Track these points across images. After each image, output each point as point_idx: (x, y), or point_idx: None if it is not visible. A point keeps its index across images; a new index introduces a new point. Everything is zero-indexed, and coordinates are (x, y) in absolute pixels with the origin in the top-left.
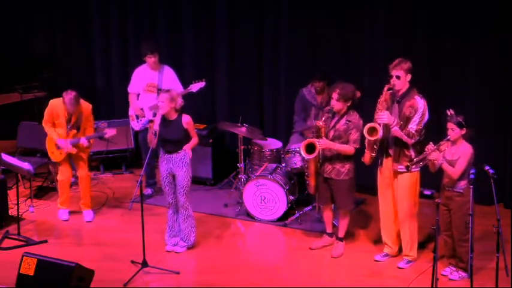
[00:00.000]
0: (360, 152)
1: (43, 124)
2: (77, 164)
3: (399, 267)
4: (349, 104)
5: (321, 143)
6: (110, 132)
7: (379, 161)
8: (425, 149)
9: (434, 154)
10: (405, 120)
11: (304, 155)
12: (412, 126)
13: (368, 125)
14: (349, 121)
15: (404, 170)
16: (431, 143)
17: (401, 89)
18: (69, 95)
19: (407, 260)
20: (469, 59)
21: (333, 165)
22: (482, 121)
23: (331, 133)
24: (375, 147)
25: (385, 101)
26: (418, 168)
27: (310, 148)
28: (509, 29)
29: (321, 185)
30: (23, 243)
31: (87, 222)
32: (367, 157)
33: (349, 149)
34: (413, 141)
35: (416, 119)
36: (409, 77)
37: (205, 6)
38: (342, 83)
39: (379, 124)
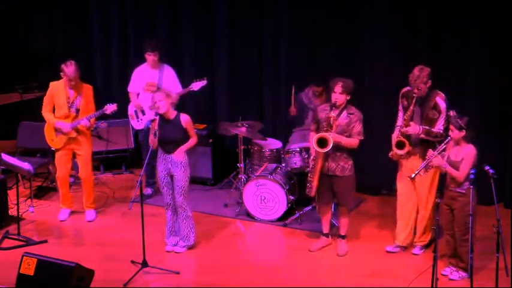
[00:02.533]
0: (360, 151)
1: (42, 111)
2: (78, 160)
3: (414, 254)
4: (349, 98)
5: (332, 136)
6: (110, 108)
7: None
8: (427, 156)
9: (436, 160)
10: (429, 122)
11: (317, 149)
12: (440, 127)
13: (396, 139)
14: (351, 114)
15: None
16: (430, 149)
17: (423, 93)
18: (71, 66)
19: (420, 246)
20: (469, 59)
21: (337, 163)
22: (482, 121)
23: (334, 128)
24: (402, 156)
25: (410, 110)
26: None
27: (323, 142)
28: (509, 29)
29: (322, 185)
30: (23, 243)
31: (88, 221)
32: (395, 156)
33: (354, 141)
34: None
35: (442, 120)
36: (429, 83)
37: (205, 6)
38: (340, 77)
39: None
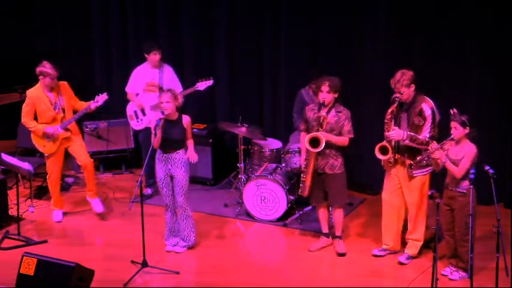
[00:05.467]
0: (360, 151)
1: (23, 121)
2: (74, 151)
3: (400, 262)
4: (336, 96)
5: (322, 135)
6: (101, 99)
7: (392, 160)
8: (429, 148)
9: (438, 153)
10: (415, 128)
11: (310, 149)
12: (425, 135)
13: (379, 145)
14: (339, 112)
15: (418, 175)
16: (434, 141)
17: (408, 98)
18: (46, 65)
19: (407, 255)
20: (469, 59)
21: (326, 160)
22: (482, 121)
23: (324, 127)
24: (390, 163)
25: (390, 119)
26: (431, 169)
27: (315, 142)
28: (509, 29)
29: (314, 184)
30: (23, 243)
31: (97, 213)
32: (386, 166)
33: (344, 140)
34: (429, 147)
35: (427, 127)
36: (412, 87)
37: (205, 6)
38: (327, 76)
39: (390, 140)
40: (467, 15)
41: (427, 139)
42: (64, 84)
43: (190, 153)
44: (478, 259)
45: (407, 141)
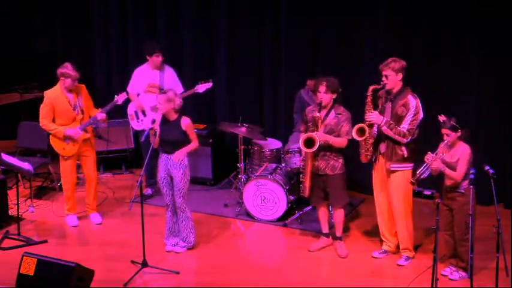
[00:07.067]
0: (357, 151)
1: (41, 123)
2: (85, 162)
3: (398, 265)
4: (334, 97)
5: (318, 136)
6: (121, 98)
7: (373, 158)
8: (425, 160)
9: (436, 163)
10: (398, 119)
11: (304, 150)
12: (404, 126)
13: (357, 126)
14: (339, 114)
15: (396, 169)
16: (429, 152)
17: (394, 87)
18: (68, 66)
19: (406, 256)
20: (469, 59)
21: (327, 161)
22: (482, 121)
23: (322, 128)
24: (368, 147)
25: (371, 101)
26: (411, 166)
27: (309, 143)
28: (509, 29)
29: (314, 184)
30: (23, 243)
31: (97, 224)
32: (362, 157)
33: (343, 141)
34: (405, 140)
35: (408, 118)
36: (400, 76)
37: (205, 6)
38: (325, 76)
39: (370, 124)
40: (467, 15)
41: (404, 131)
42: (82, 86)
43: (179, 151)
44: (478, 259)
45: (384, 127)
